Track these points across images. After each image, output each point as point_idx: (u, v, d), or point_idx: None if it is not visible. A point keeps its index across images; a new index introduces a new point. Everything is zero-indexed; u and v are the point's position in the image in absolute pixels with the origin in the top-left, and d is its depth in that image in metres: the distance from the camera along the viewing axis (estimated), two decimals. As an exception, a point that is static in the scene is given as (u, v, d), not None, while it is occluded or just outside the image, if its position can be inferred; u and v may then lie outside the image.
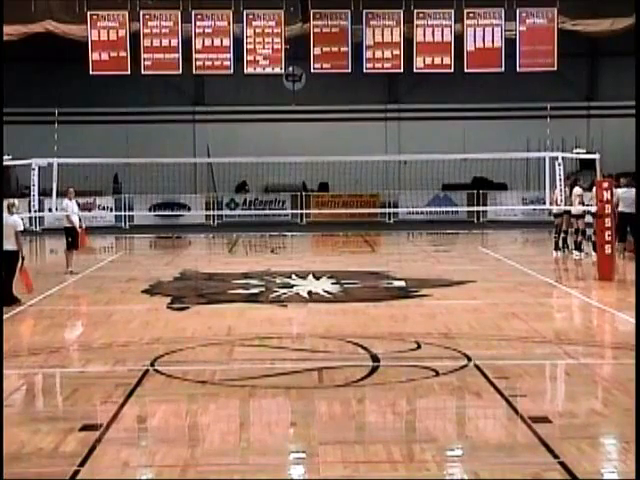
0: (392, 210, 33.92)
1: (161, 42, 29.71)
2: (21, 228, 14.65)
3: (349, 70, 30.29)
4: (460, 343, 10.99)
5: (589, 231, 20.75)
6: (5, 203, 14.67)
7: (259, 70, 30.12)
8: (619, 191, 19.98)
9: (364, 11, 29.55)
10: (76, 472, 6.50)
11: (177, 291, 16.21)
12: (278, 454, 7.00)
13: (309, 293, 15.68)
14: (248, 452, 7.06)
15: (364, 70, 30.22)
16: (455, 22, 29.66)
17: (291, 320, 13.33)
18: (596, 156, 19.93)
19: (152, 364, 9.96)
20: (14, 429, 7.46)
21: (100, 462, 6.76)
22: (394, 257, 22.95)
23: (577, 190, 20.81)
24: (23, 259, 14.82)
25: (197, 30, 29.70)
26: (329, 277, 17.67)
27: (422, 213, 33.77)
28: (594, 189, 20.20)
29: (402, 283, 16.94)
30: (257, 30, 29.65)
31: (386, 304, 14.54)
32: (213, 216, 33.39)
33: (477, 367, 9.66)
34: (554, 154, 19.67)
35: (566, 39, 30.08)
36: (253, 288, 16.39)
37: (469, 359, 10.05)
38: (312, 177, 36.07)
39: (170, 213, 34.24)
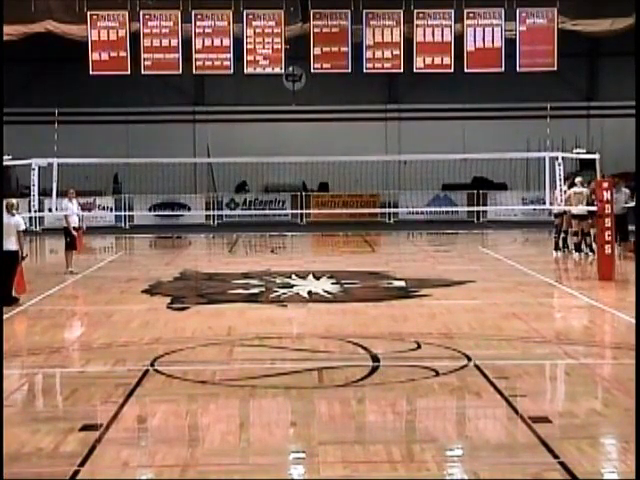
0: (392, 210, 33.89)
1: (161, 42, 29.70)
2: (23, 228, 14.67)
3: (349, 70, 30.26)
4: (460, 343, 10.99)
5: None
6: (5, 203, 14.68)
7: (259, 70, 30.11)
8: None
9: (364, 11, 29.54)
10: (76, 472, 6.50)
11: (177, 291, 16.21)
12: (278, 454, 7.00)
13: (309, 293, 15.67)
14: (248, 452, 7.06)
15: (364, 70, 30.19)
16: (455, 22, 29.63)
17: (291, 320, 13.32)
18: (596, 156, 19.93)
19: (152, 364, 9.96)
20: (14, 429, 7.46)
21: (100, 462, 6.76)
22: (394, 257, 22.93)
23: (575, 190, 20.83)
24: (24, 258, 14.84)
25: (197, 30, 29.70)
26: (329, 277, 17.67)
27: (422, 213, 33.76)
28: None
29: (402, 283, 16.94)
30: (257, 30, 29.65)
31: (386, 304, 14.54)
32: (213, 216, 33.37)
33: (477, 367, 9.66)
34: (554, 154, 19.67)
35: (566, 39, 30.05)
36: (253, 288, 16.39)
37: (469, 359, 10.05)
38: (312, 177, 36.11)
39: (170, 213, 34.22)
